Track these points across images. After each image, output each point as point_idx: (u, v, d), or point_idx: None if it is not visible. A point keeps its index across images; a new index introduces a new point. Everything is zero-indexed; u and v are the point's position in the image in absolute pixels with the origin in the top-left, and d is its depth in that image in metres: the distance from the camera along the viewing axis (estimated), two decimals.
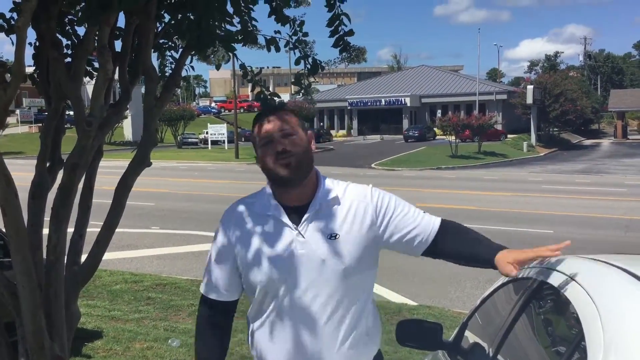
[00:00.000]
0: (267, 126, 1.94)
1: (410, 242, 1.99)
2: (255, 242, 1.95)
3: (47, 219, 2.62)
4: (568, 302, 1.69)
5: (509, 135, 50.72)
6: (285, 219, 1.94)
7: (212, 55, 2.79)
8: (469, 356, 2.50)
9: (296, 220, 1.93)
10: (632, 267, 1.71)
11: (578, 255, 2.12)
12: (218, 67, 2.98)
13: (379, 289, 8.07)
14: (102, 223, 2.85)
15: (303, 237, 1.91)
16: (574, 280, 1.75)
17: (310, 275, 1.89)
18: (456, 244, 1.99)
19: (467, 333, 2.74)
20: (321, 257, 1.89)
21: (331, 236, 1.90)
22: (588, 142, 58.61)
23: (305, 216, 1.93)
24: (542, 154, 44.82)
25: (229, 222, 2.02)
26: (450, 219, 2.09)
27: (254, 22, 2.78)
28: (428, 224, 2.00)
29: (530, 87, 49.63)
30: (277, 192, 1.98)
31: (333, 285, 1.90)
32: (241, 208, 2.03)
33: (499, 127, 49.53)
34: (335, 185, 2.01)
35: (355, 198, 1.98)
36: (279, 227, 1.93)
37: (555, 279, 1.89)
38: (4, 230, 2.64)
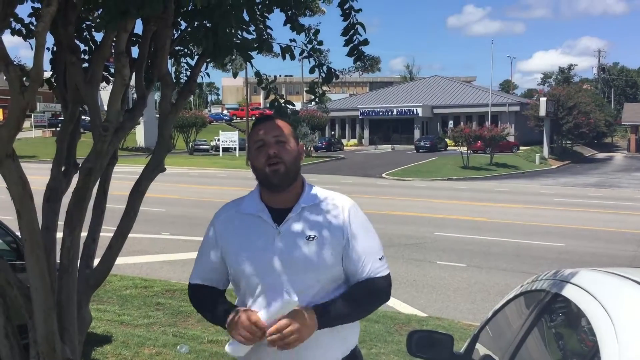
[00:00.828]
0: (262, 131, 2.11)
1: (350, 269, 2.11)
2: (240, 238, 2.10)
3: (61, 222, 2.64)
4: (582, 315, 1.67)
5: (521, 147, 50.50)
6: (268, 218, 2.09)
7: (230, 64, 2.81)
8: None
9: (279, 221, 2.09)
10: None
11: (592, 268, 2.11)
12: (235, 75, 3.01)
13: None
14: (114, 228, 2.87)
15: (283, 236, 2.06)
16: (589, 293, 1.73)
17: (287, 271, 2.03)
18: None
19: (478, 345, 2.72)
20: (298, 255, 2.04)
21: (309, 237, 2.06)
22: (601, 155, 58.23)
23: (287, 217, 2.08)
24: (554, 167, 44.56)
25: (217, 219, 2.19)
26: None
27: (269, 31, 2.80)
28: (365, 268, 2.09)
29: (543, 99, 49.41)
30: (264, 195, 2.14)
31: (309, 282, 2.05)
32: (230, 207, 2.21)
33: (511, 138, 49.29)
34: (319, 193, 2.17)
35: (334, 207, 2.12)
36: (262, 226, 2.09)
37: (569, 292, 1.87)
38: (18, 234, 2.66)
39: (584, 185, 30.84)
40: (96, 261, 2.86)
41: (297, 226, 2.07)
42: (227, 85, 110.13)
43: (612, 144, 70.89)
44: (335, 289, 2.11)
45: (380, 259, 2.12)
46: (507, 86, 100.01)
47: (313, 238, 2.05)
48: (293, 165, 2.09)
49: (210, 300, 2.15)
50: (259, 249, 2.06)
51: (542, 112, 48.46)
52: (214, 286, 2.18)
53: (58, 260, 2.70)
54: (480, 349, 2.67)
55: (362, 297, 2.09)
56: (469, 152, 39.52)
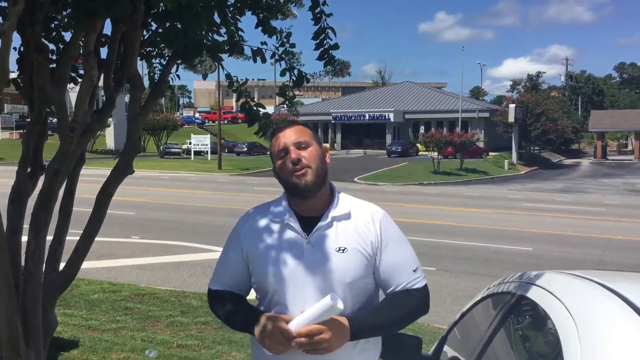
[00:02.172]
0: (283, 139, 2.05)
1: (382, 281, 2.05)
2: (267, 246, 2.02)
3: (26, 225, 2.59)
4: (547, 317, 1.70)
5: (490, 153, 51.19)
6: (298, 227, 2.01)
7: (200, 65, 2.79)
8: None
9: (308, 230, 2.01)
10: (611, 282, 1.72)
11: (557, 270, 2.14)
12: (205, 77, 2.98)
13: None
14: (81, 232, 2.83)
15: (313, 246, 1.98)
16: (553, 295, 1.76)
17: (315, 283, 1.96)
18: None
19: (445, 348, 2.75)
20: (328, 267, 1.97)
21: (339, 249, 1.98)
22: (568, 161, 59.26)
23: (317, 226, 2.01)
24: (522, 172, 45.23)
25: (243, 226, 2.11)
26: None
27: (240, 33, 2.79)
28: (399, 279, 2.04)
29: (512, 106, 50.15)
30: (292, 202, 2.07)
31: (339, 293, 1.95)
32: (257, 213, 2.12)
33: (480, 144, 50.01)
34: (349, 201, 2.10)
35: (365, 217, 2.06)
36: (290, 234, 2.01)
37: (534, 294, 1.91)
38: None
39: (552, 190, 31.35)
40: (63, 264, 2.81)
41: (327, 236, 2.00)
42: (199, 88, 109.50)
43: (579, 150, 72.21)
44: (367, 300, 2.04)
45: (414, 271, 2.05)
46: (477, 93, 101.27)
47: (343, 250, 1.98)
48: (320, 169, 2.02)
49: (234, 307, 2.06)
50: (288, 258, 1.98)
51: (511, 118, 49.18)
52: (236, 292, 2.10)
53: (23, 264, 2.65)
54: (448, 351, 2.70)
55: (397, 310, 2.01)
56: (439, 157, 39.92)
